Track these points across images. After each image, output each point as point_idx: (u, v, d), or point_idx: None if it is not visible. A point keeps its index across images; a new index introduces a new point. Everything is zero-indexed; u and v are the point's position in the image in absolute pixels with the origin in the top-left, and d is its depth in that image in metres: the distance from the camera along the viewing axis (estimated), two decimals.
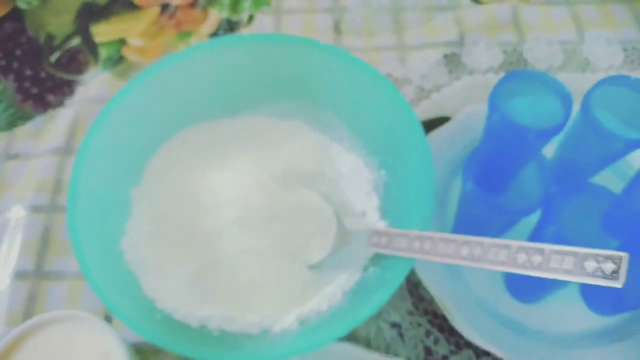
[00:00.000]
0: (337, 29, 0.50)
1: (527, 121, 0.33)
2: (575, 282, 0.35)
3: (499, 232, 0.35)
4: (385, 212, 0.36)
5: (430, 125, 0.43)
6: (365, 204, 0.36)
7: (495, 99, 0.33)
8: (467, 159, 0.39)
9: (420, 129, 0.34)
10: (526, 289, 0.35)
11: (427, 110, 0.45)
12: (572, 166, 0.37)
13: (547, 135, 0.31)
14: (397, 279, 0.30)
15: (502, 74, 0.47)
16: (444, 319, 0.37)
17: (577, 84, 0.46)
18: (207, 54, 0.37)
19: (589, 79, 0.47)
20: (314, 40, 0.37)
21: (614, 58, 0.48)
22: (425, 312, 0.37)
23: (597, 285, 0.22)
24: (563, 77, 0.47)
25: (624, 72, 0.47)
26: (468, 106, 0.42)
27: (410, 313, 0.37)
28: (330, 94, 0.38)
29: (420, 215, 0.31)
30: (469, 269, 0.37)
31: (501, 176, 0.34)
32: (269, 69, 0.38)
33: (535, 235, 0.32)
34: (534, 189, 0.30)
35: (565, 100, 0.32)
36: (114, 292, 0.31)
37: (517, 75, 0.33)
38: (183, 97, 0.38)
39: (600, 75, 0.47)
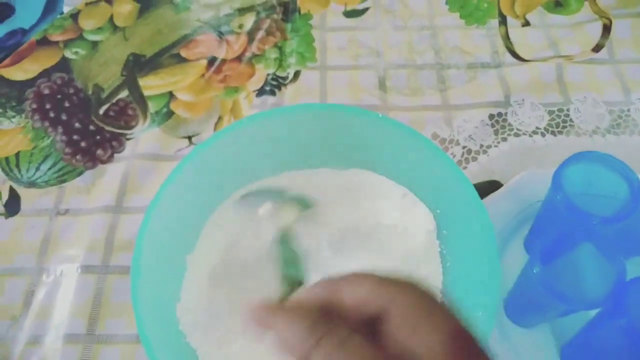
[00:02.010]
0: (382, 86, 0.50)
1: (591, 204, 0.32)
2: None
3: (556, 316, 0.35)
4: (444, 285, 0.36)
5: (480, 189, 0.43)
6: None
7: (559, 179, 0.33)
8: (529, 237, 0.39)
9: (483, 209, 0.33)
10: None
11: (475, 173, 0.45)
12: (631, 240, 0.36)
13: (611, 221, 0.31)
14: None
15: (548, 136, 0.47)
16: None
17: (626, 147, 0.46)
18: (270, 121, 0.38)
19: (638, 142, 0.47)
20: (373, 112, 0.37)
21: None
22: None
23: None
24: (611, 140, 0.47)
25: None
26: (519, 172, 0.42)
27: None
28: (387, 162, 0.39)
29: (486, 300, 0.31)
30: (521, 342, 0.37)
31: (560, 254, 0.34)
32: (327, 135, 0.39)
33: (604, 322, 0.31)
34: (603, 281, 0.30)
35: (633, 185, 0.31)
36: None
37: (582, 156, 0.33)
38: (241, 163, 0.39)
39: None
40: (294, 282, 0.28)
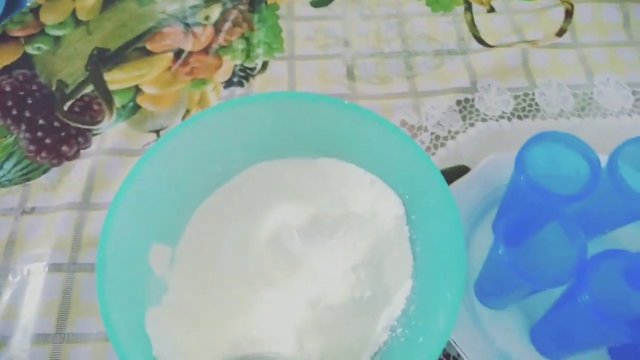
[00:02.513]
0: (350, 75, 0.50)
1: (554, 184, 0.33)
2: (606, 346, 0.35)
3: (524, 296, 0.36)
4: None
5: (449, 174, 0.44)
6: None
7: (521, 161, 0.33)
8: (496, 219, 0.40)
9: (448, 192, 0.34)
10: (554, 347, 0.36)
11: (444, 158, 0.46)
12: (593, 220, 0.37)
13: (574, 200, 0.32)
14: (433, 346, 0.30)
15: (514, 120, 0.48)
16: None
17: (590, 129, 0.47)
18: (236, 110, 0.37)
19: (601, 124, 0.48)
20: (339, 100, 0.37)
21: (624, 102, 0.49)
22: None
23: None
24: (575, 123, 0.48)
25: (635, 116, 0.48)
26: (486, 157, 0.43)
27: None
28: (355, 150, 0.39)
29: (453, 281, 0.31)
30: (492, 324, 0.37)
31: (526, 234, 0.35)
32: (294, 124, 0.39)
33: (567, 301, 0.32)
34: (566, 259, 0.31)
35: (593, 164, 0.32)
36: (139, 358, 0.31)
37: (544, 136, 0.34)
38: (208, 153, 0.38)
39: (612, 120, 0.48)
40: None
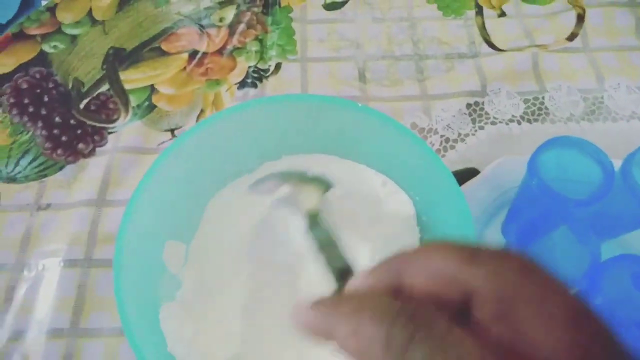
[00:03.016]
0: (361, 77, 0.51)
1: (566, 188, 0.33)
2: None
3: None
4: None
5: (458, 176, 0.44)
6: None
7: (534, 164, 0.34)
8: (505, 221, 0.40)
9: (461, 196, 0.34)
10: None
11: (453, 161, 0.46)
12: (605, 223, 0.38)
13: (586, 203, 0.32)
14: None
15: (524, 124, 0.48)
16: None
17: (600, 133, 0.48)
18: (250, 112, 0.38)
19: (611, 128, 0.48)
20: (352, 102, 0.38)
21: (635, 106, 0.49)
22: None
23: None
24: (585, 127, 0.48)
25: None
26: (495, 160, 0.43)
27: None
28: (367, 152, 0.39)
29: None
30: None
31: (537, 237, 0.35)
32: (307, 126, 0.39)
33: None
34: (578, 262, 0.31)
35: (606, 169, 0.33)
36: (153, 352, 0.32)
37: (556, 141, 0.34)
38: (223, 153, 0.39)
39: (622, 124, 0.48)
40: (339, 270, 0.25)
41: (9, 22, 0.57)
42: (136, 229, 0.34)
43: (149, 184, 0.35)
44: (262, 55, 0.52)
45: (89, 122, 0.48)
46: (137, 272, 0.34)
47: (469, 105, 0.49)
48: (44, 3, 0.57)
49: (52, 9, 0.56)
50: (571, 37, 0.53)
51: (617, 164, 0.34)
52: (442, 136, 0.47)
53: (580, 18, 0.54)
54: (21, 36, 0.54)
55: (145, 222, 0.35)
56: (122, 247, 0.33)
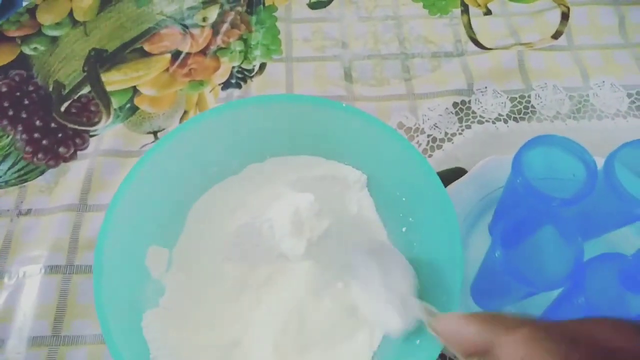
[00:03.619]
0: (347, 77, 0.51)
1: (551, 186, 0.33)
2: None
3: (521, 298, 0.36)
4: None
5: (445, 176, 0.44)
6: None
7: (518, 163, 0.33)
8: (492, 221, 0.40)
9: (445, 194, 0.34)
10: None
11: (440, 160, 0.46)
12: (589, 222, 0.38)
13: (570, 203, 0.32)
14: (431, 348, 0.30)
15: (511, 122, 0.48)
16: None
17: (586, 131, 0.48)
18: (233, 113, 0.38)
19: (597, 126, 0.48)
20: (337, 102, 0.37)
21: (620, 104, 0.49)
22: None
23: None
24: (571, 125, 0.48)
25: (630, 119, 0.48)
26: (483, 159, 0.43)
27: None
28: (352, 152, 0.39)
29: (450, 284, 0.32)
30: None
31: (523, 237, 0.35)
32: (291, 126, 0.39)
33: (564, 303, 0.32)
34: (563, 261, 0.31)
35: (590, 168, 0.32)
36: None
37: (541, 140, 0.34)
38: (206, 155, 0.38)
39: (607, 122, 0.48)
40: None
41: None
42: (117, 234, 0.34)
43: (130, 188, 0.35)
44: (246, 55, 0.51)
45: (70, 125, 0.47)
46: (118, 279, 0.33)
47: (455, 104, 0.49)
48: (25, 4, 0.56)
49: (32, 10, 0.55)
50: (556, 35, 0.53)
51: (602, 162, 0.34)
52: (429, 136, 0.47)
53: (565, 16, 0.54)
54: (0, 38, 0.53)
55: (127, 227, 0.35)
56: (102, 253, 0.33)
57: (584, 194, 0.33)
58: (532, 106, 0.49)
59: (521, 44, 0.52)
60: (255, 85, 0.50)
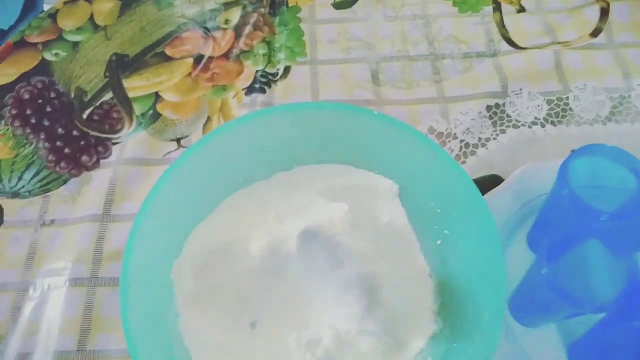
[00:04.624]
0: (375, 79, 0.49)
1: (599, 196, 0.31)
2: None
3: (565, 318, 0.34)
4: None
5: (480, 184, 0.42)
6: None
7: (564, 174, 0.31)
8: (531, 231, 0.38)
9: (485, 206, 0.32)
10: None
11: (475, 168, 0.44)
12: (638, 233, 0.35)
13: (619, 217, 0.30)
14: None
15: (548, 126, 0.46)
16: None
17: (628, 135, 0.45)
18: (258, 122, 0.36)
19: None
20: (366, 109, 0.36)
21: None
22: None
23: None
24: (612, 128, 0.46)
25: None
26: (520, 166, 0.41)
27: None
28: (383, 160, 0.37)
29: (492, 300, 0.30)
30: (527, 340, 0.35)
31: (568, 251, 0.33)
32: (319, 134, 0.37)
33: (615, 323, 0.30)
34: (613, 279, 0.29)
35: None
36: None
37: (588, 149, 0.32)
38: (232, 165, 0.37)
39: None
40: None
41: (11, 29, 0.55)
42: (143, 247, 0.33)
43: (155, 200, 0.34)
44: (270, 58, 0.50)
45: (92, 133, 0.47)
46: (144, 292, 0.32)
47: (489, 108, 0.47)
48: (46, 7, 0.55)
49: (53, 15, 0.54)
50: (595, 33, 0.50)
51: None
52: (461, 141, 0.45)
53: (604, 12, 0.51)
54: (22, 44, 0.52)
55: (152, 239, 0.34)
56: (129, 265, 0.32)
57: (634, 206, 0.31)
58: (570, 108, 0.47)
59: (557, 43, 0.50)
60: (279, 90, 0.48)
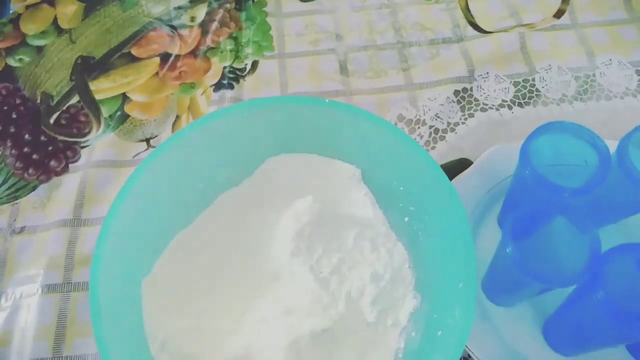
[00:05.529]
0: (343, 70, 0.49)
1: (561, 174, 0.32)
2: (624, 343, 0.34)
3: (534, 294, 0.34)
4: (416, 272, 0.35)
5: (450, 168, 0.42)
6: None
7: (526, 153, 0.32)
8: (501, 212, 0.39)
9: (444, 178, 0.33)
10: (568, 343, 0.34)
11: (444, 152, 0.44)
12: (602, 209, 0.36)
13: (583, 192, 0.30)
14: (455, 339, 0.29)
15: (515, 108, 0.46)
16: None
17: (594, 113, 0.46)
18: (231, 118, 0.36)
19: (606, 107, 0.46)
20: (337, 102, 0.36)
21: (629, 82, 0.47)
22: None
23: None
24: (579, 107, 0.46)
25: None
26: (488, 148, 0.41)
27: None
28: (345, 148, 0.38)
29: (464, 270, 0.30)
30: (502, 320, 0.36)
31: (534, 229, 0.33)
32: (287, 127, 0.37)
33: (581, 297, 0.30)
34: (578, 254, 0.29)
35: (602, 154, 0.31)
36: None
37: (549, 127, 0.32)
38: (202, 164, 0.37)
39: (617, 102, 0.46)
40: None
41: None
42: (114, 250, 0.32)
43: (124, 201, 0.33)
44: (237, 53, 0.50)
45: (60, 138, 0.46)
46: (115, 295, 0.32)
47: (457, 93, 0.47)
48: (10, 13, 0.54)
49: (15, 21, 0.53)
50: (558, 14, 0.51)
51: (614, 145, 0.32)
52: (430, 127, 0.45)
53: None
54: None
55: (124, 242, 0.33)
56: (99, 269, 0.31)
57: (596, 181, 0.31)
58: (537, 90, 0.47)
59: (522, 25, 0.50)
60: (248, 85, 0.48)
